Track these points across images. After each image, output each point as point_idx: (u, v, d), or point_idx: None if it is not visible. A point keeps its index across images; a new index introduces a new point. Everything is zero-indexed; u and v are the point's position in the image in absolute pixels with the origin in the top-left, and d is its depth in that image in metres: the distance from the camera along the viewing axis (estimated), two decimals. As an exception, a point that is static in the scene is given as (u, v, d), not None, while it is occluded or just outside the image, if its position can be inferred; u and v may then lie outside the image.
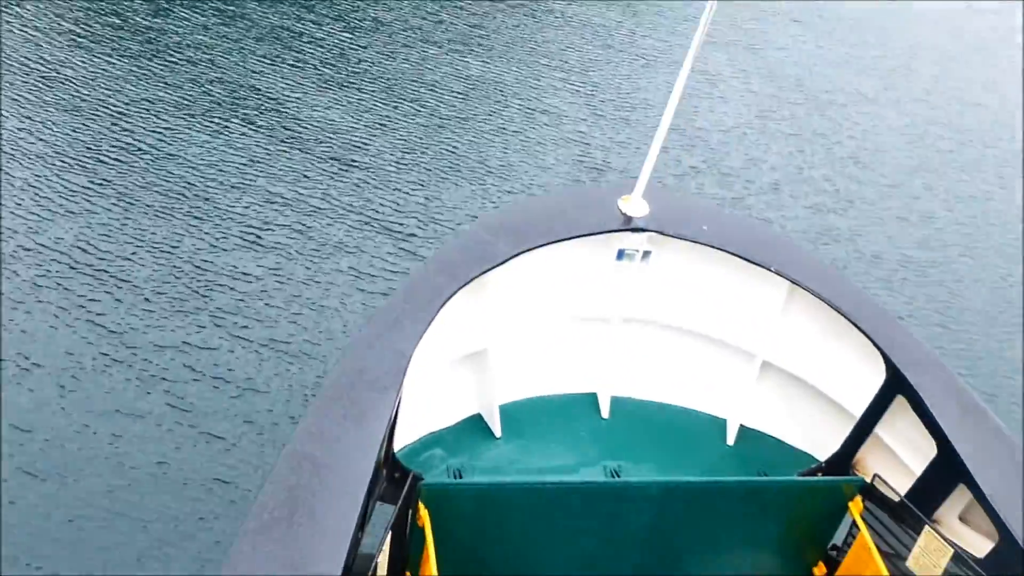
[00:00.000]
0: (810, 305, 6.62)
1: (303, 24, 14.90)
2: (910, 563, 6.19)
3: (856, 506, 6.55)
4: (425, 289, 5.92)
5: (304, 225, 10.91)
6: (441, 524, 5.77)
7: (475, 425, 6.69)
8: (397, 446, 5.96)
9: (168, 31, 13.96)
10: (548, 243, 6.33)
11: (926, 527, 6.09)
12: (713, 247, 6.58)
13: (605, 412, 7.02)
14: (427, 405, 6.32)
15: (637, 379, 7.12)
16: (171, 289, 9.77)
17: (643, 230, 6.56)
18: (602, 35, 16.82)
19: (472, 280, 6.04)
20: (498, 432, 6.61)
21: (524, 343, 6.73)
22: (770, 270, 6.56)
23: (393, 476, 5.89)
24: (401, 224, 11.17)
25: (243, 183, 11.35)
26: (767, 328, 6.85)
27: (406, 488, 5.78)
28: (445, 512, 5.86)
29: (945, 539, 5.99)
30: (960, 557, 5.89)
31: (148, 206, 10.72)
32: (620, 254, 6.64)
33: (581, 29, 16.90)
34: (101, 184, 10.94)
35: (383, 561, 5.41)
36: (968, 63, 18.88)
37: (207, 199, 11.01)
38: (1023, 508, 5.68)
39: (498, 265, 6.15)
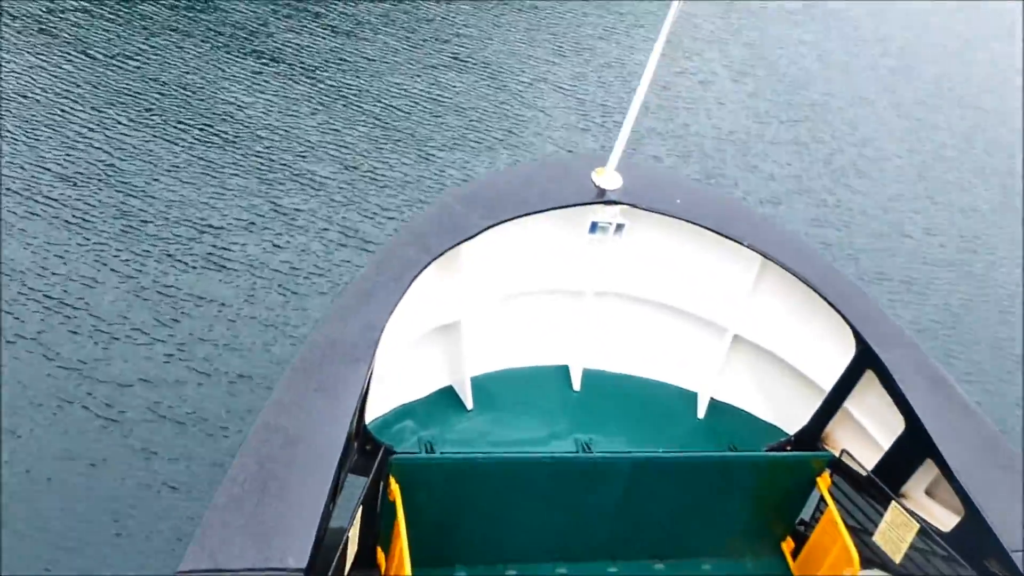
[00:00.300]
0: (782, 280, 6.64)
1: (277, 38, 13.91)
2: (877, 538, 6.26)
3: (824, 481, 6.61)
4: (397, 261, 5.88)
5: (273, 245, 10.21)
6: (412, 498, 5.77)
7: (447, 397, 6.67)
8: (369, 418, 5.95)
9: (130, 47, 12.88)
10: (521, 215, 6.30)
11: (893, 502, 6.15)
12: (686, 220, 6.57)
13: (577, 385, 7.02)
14: (399, 377, 6.29)
15: (609, 352, 7.12)
16: (134, 316, 9.02)
17: (616, 203, 6.53)
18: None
19: (444, 252, 6.01)
20: (470, 404, 6.60)
21: (496, 315, 6.71)
22: (743, 244, 6.56)
23: (364, 448, 5.88)
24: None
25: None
26: (738, 302, 6.87)
27: (377, 462, 5.77)
28: (416, 486, 5.86)
29: (912, 514, 6.05)
30: (926, 532, 5.96)
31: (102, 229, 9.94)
32: (593, 227, 6.61)
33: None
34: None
35: (354, 535, 5.40)
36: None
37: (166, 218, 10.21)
38: (988, 483, 5.78)
39: (471, 237, 6.11)
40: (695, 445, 6.79)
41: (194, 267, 9.66)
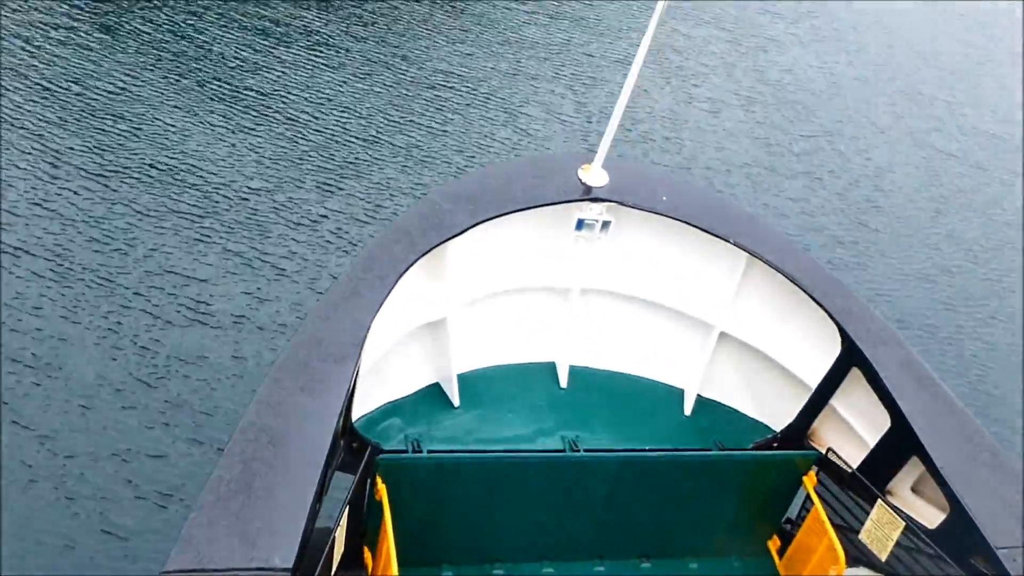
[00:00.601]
0: (767, 277, 6.65)
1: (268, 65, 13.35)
2: (863, 536, 6.28)
3: (810, 480, 6.64)
4: (383, 259, 5.85)
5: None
6: (398, 497, 5.77)
7: (434, 394, 6.66)
8: (355, 416, 5.94)
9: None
10: (507, 213, 6.28)
11: (879, 501, 6.17)
12: (672, 218, 6.57)
13: (564, 382, 7.02)
14: (385, 375, 6.28)
15: (595, 349, 7.12)
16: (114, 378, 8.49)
17: (602, 200, 6.53)
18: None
19: (431, 250, 5.99)
20: (456, 401, 6.58)
21: (483, 312, 6.70)
22: (729, 242, 6.56)
23: (351, 446, 5.87)
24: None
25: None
26: (724, 299, 6.88)
27: (364, 461, 5.75)
28: (402, 485, 5.86)
29: (898, 512, 6.07)
30: (912, 530, 5.98)
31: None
32: (579, 224, 6.61)
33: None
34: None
35: (340, 535, 5.39)
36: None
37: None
38: (973, 481, 5.80)
39: (457, 235, 6.10)
40: (682, 442, 6.78)
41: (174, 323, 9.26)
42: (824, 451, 6.59)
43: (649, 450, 6.58)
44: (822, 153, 14.78)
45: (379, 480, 5.76)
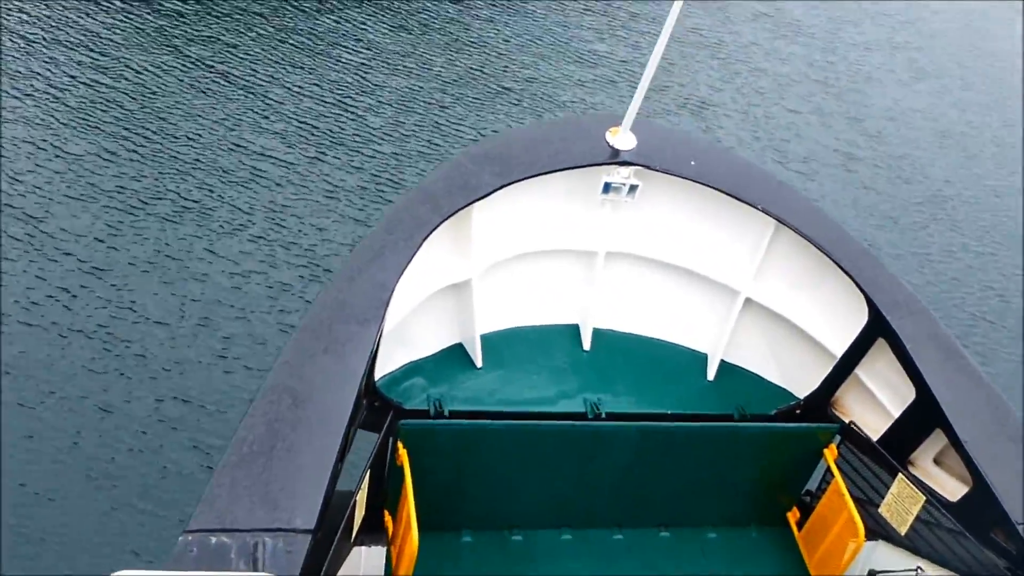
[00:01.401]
0: (795, 244, 6.59)
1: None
2: (883, 510, 6.27)
3: (831, 452, 6.63)
4: (408, 221, 5.84)
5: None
6: (419, 462, 5.81)
7: (456, 354, 6.66)
8: (378, 374, 5.96)
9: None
10: (534, 175, 6.24)
11: (900, 474, 6.15)
12: (700, 183, 6.50)
13: (587, 344, 6.99)
14: (408, 335, 6.29)
15: (620, 312, 7.09)
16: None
17: (630, 164, 6.46)
18: None
19: (456, 212, 5.97)
20: (479, 362, 6.59)
21: (507, 274, 6.68)
22: (756, 208, 6.50)
23: (374, 405, 5.90)
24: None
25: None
26: (751, 266, 6.82)
27: (385, 426, 5.79)
28: (423, 450, 5.90)
29: (919, 486, 6.06)
30: (932, 504, 5.97)
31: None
32: (606, 187, 6.55)
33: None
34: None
35: (361, 499, 5.44)
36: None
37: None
38: (997, 455, 5.77)
39: (483, 197, 6.07)
40: (704, 407, 6.78)
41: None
42: (846, 423, 6.57)
43: (671, 415, 6.59)
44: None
45: (400, 445, 5.80)
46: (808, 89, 15.08)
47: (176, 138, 10.99)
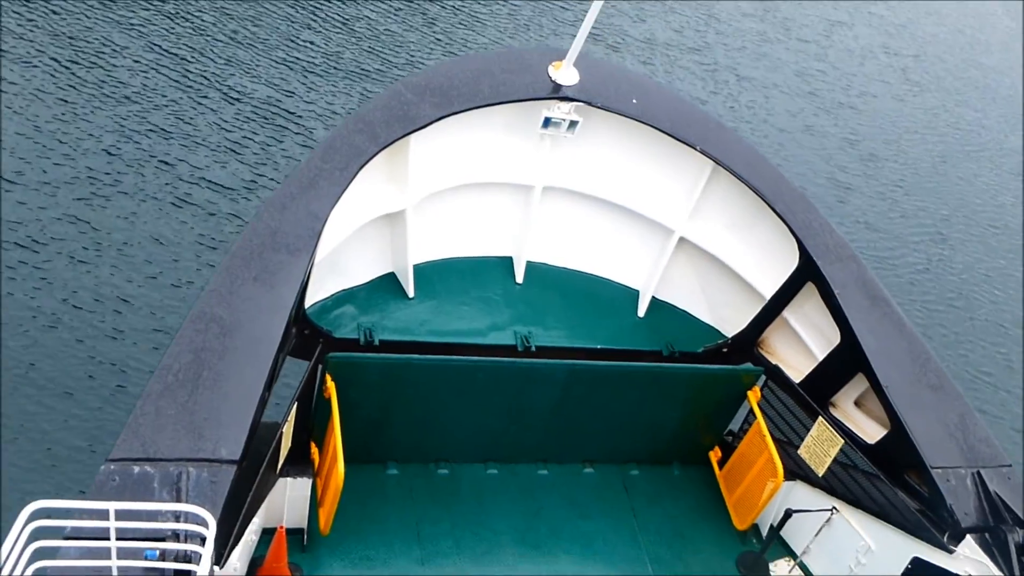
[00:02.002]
0: (731, 187, 6.62)
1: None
2: (802, 451, 6.42)
3: (754, 395, 6.77)
4: (344, 149, 5.73)
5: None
6: (346, 396, 5.81)
7: (388, 284, 6.61)
8: (309, 302, 5.91)
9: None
10: (473, 107, 6.15)
11: (820, 418, 6.29)
12: (641, 121, 6.47)
13: (520, 277, 7.00)
14: (340, 264, 6.24)
15: (554, 246, 7.10)
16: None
17: (571, 99, 6.40)
18: None
19: (393, 142, 5.88)
20: (411, 292, 6.55)
21: (443, 206, 6.63)
22: (695, 149, 6.50)
23: (303, 333, 5.87)
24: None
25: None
26: (687, 206, 6.85)
27: (313, 359, 5.75)
28: (351, 384, 5.89)
29: (837, 430, 6.20)
30: (850, 447, 6.12)
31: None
32: (546, 122, 6.48)
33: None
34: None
35: (288, 431, 5.42)
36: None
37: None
38: (913, 401, 5.91)
39: (421, 128, 5.98)
40: (633, 342, 6.85)
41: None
42: (771, 365, 6.68)
43: (600, 351, 6.65)
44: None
45: (328, 378, 5.78)
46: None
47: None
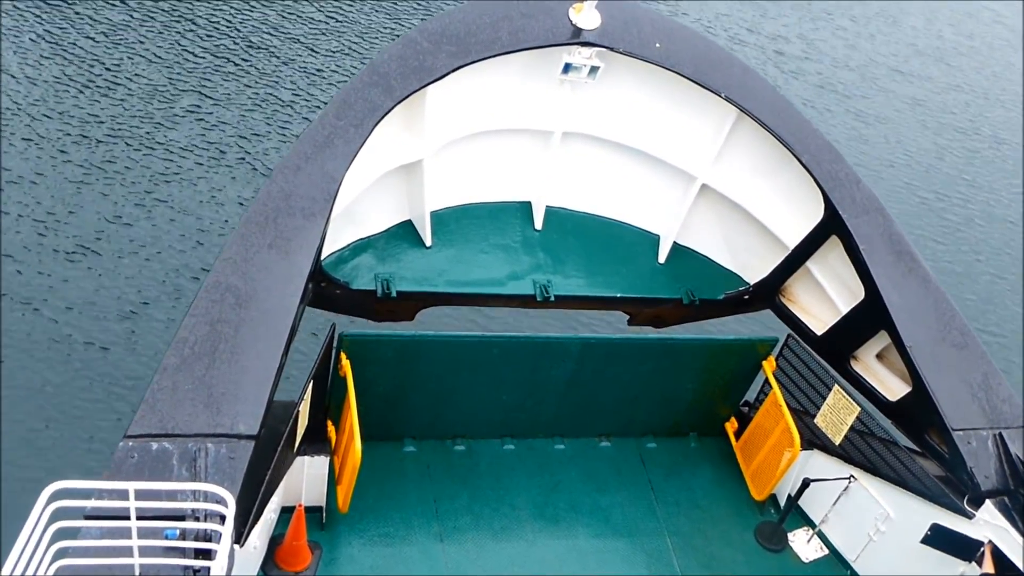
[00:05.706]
0: (756, 134, 6.43)
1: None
2: (818, 420, 6.37)
3: (769, 364, 6.70)
4: (359, 105, 5.56)
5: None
6: (362, 373, 5.77)
7: (405, 232, 6.48)
8: (325, 253, 5.81)
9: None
10: (491, 56, 5.94)
11: (836, 386, 6.22)
12: (664, 67, 6.26)
13: (539, 223, 6.85)
14: (357, 214, 6.12)
15: (573, 192, 6.94)
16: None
17: (592, 44, 6.17)
18: None
19: (409, 95, 5.70)
20: (428, 240, 6.43)
21: (460, 153, 6.46)
22: (720, 96, 6.29)
23: (320, 286, 5.79)
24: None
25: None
26: (710, 152, 6.67)
27: (328, 338, 5.66)
28: (366, 362, 5.85)
29: (854, 398, 6.13)
30: (867, 414, 6.06)
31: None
32: (567, 68, 6.25)
33: None
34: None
35: (304, 409, 5.39)
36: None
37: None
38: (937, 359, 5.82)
39: (439, 79, 5.78)
40: (654, 290, 6.75)
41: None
42: (790, 321, 6.60)
43: (620, 299, 6.58)
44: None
45: (343, 356, 5.74)
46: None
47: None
